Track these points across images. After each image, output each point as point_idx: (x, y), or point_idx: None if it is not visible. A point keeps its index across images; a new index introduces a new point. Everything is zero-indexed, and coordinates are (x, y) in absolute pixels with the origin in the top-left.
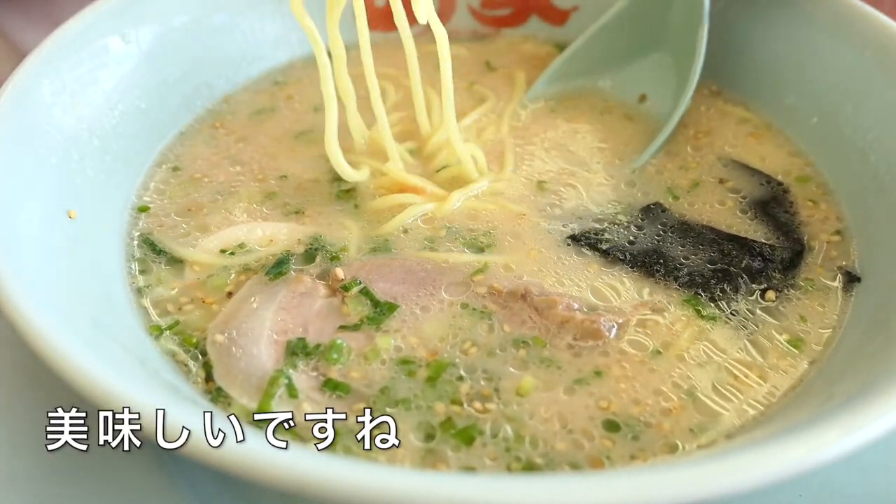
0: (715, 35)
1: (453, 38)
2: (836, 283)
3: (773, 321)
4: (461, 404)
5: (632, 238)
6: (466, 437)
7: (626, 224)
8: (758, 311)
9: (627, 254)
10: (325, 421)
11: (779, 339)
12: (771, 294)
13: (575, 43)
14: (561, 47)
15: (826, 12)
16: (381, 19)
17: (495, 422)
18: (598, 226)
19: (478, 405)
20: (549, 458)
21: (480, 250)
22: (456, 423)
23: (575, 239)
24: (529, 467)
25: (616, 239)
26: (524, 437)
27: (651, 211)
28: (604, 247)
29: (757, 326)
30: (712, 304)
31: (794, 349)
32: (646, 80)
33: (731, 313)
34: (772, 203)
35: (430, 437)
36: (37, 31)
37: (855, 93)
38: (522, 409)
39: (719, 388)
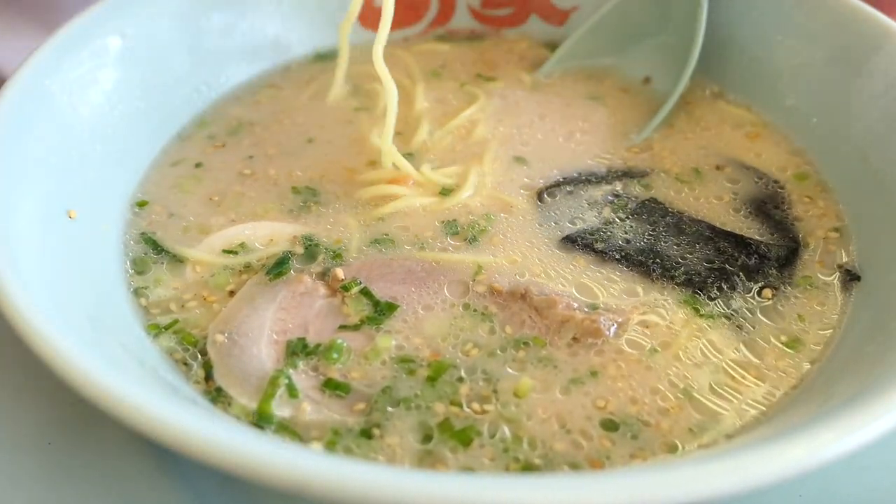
0: (717, 37)
1: (452, 37)
2: (834, 281)
3: (774, 318)
4: (460, 405)
5: (627, 236)
6: (464, 438)
7: (620, 222)
8: (757, 309)
9: (623, 253)
10: (324, 421)
11: (778, 338)
12: (767, 292)
13: (581, 28)
14: (557, 47)
15: (827, 13)
16: (379, 19)
17: (493, 423)
18: (593, 222)
19: (476, 406)
20: (547, 458)
21: (478, 248)
22: (454, 425)
23: (571, 240)
24: (528, 468)
25: (611, 238)
26: (522, 437)
27: (646, 207)
28: (599, 247)
29: (756, 325)
30: (710, 303)
31: (791, 349)
32: (650, 63)
33: (732, 312)
34: (767, 201)
35: (427, 437)
36: (37, 31)
37: (855, 93)
38: (520, 411)
39: (718, 388)
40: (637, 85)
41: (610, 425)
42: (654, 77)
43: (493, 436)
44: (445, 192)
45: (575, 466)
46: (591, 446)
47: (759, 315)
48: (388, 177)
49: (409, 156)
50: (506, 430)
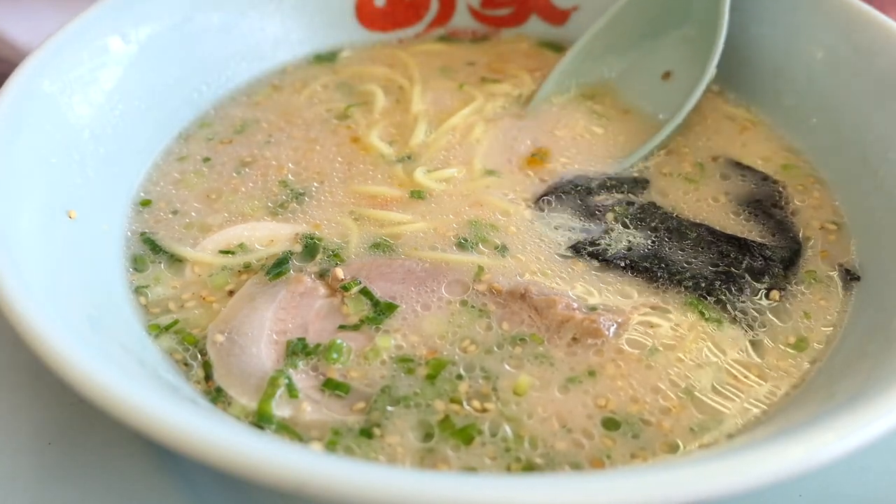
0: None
1: (452, 38)
2: (835, 277)
3: (780, 317)
4: (460, 403)
5: (629, 243)
6: (465, 436)
7: (622, 228)
8: (764, 310)
9: (628, 260)
10: (325, 421)
11: (782, 337)
12: (775, 293)
13: (586, 35)
14: (557, 47)
15: (828, 14)
16: (379, 20)
17: (494, 422)
18: (593, 229)
19: (476, 404)
20: (549, 457)
21: (478, 252)
22: (455, 423)
23: (576, 249)
24: (529, 467)
25: (614, 245)
26: (524, 437)
27: (646, 212)
28: (603, 255)
29: (763, 324)
30: (717, 307)
31: (795, 348)
32: (670, 58)
33: (739, 314)
34: (766, 199)
35: (428, 436)
36: (38, 30)
37: (855, 93)
38: (521, 409)
39: (720, 387)
40: (641, 97)
41: (611, 424)
42: (675, 72)
43: (494, 434)
44: (416, 194)
45: (576, 466)
46: (592, 445)
47: (767, 314)
48: (383, 196)
49: (407, 158)
50: (507, 429)
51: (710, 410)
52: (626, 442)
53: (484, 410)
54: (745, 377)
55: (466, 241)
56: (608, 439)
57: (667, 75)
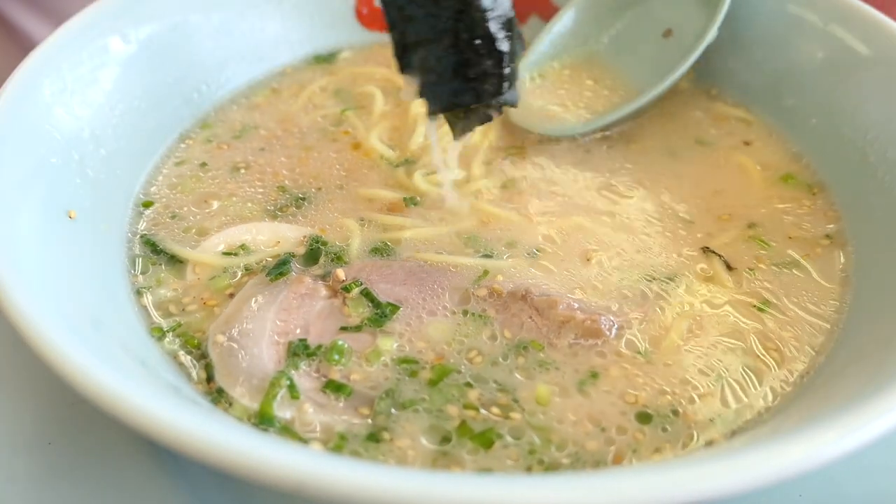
0: (715, 37)
1: None
2: (834, 278)
3: (777, 314)
4: (476, 409)
5: None
6: (485, 441)
7: None
8: (757, 305)
9: None
10: (328, 423)
11: (780, 335)
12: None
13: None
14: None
15: (828, 14)
16: (379, 20)
17: (518, 428)
18: None
19: (496, 410)
20: (576, 456)
21: (479, 252)
22: (472, 427)
23: None
24: (551, 467)
25: None
26: (552, 441)
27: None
28: None
29: (757, 319)
30: (701, 294)
31: (796, 342)
32: (670, 15)
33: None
34: None
35: (445, 440)
36: (39, 29)
37: (855, 93)
38: (549, 418)
39: (725, 382)
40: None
41: (644, 418)
42: (676, 30)
43: (518, 438)
44: (411, 200)
45: (599, 464)
46: (622, 440)
47: (763, 309)
48: (386, 200)
49: (407, 162)
50: (534, 436)
51: (712, 409)
52: (656, 435)
53: (508, 418)
54: (749, 375)
55: (470, 244)
56: (640, 433)
57: (668, 33)
